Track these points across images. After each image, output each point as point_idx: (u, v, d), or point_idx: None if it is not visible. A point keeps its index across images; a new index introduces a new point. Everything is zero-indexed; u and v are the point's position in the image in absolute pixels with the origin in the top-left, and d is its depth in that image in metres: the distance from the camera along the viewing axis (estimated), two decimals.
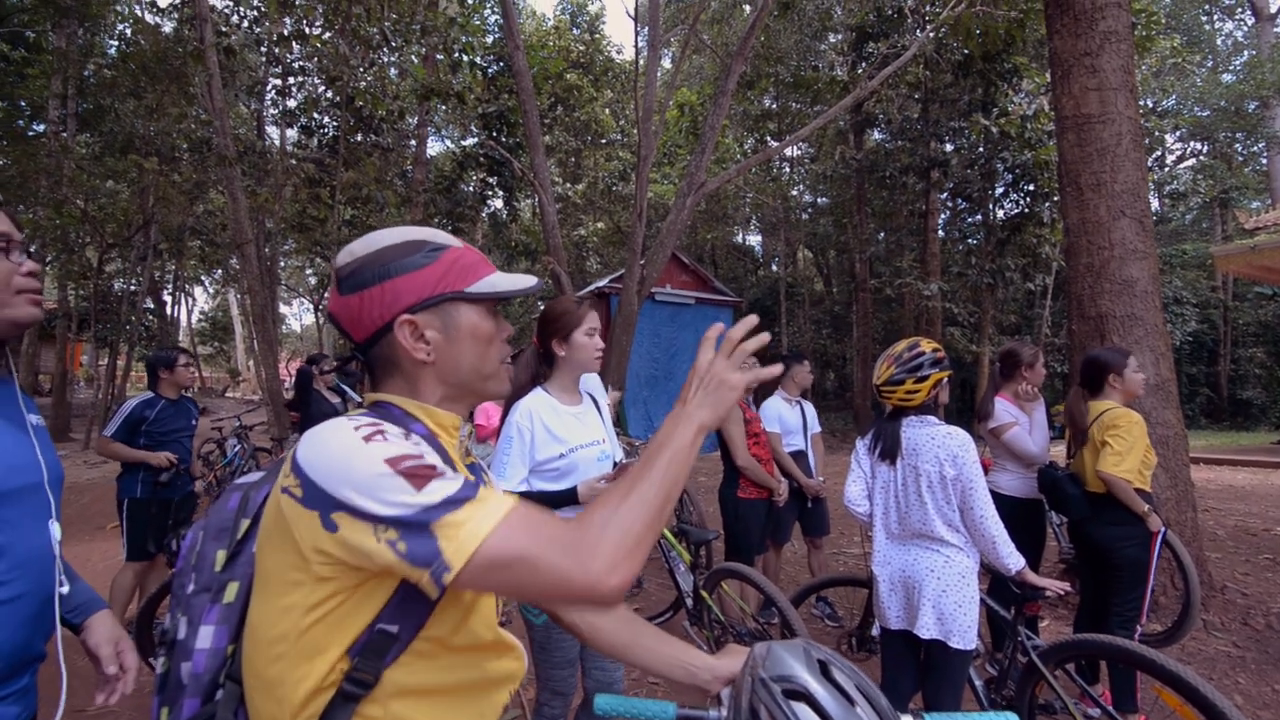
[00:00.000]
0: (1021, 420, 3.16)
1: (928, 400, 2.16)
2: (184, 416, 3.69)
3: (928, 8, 13.06)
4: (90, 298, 14.88)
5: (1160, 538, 2.75)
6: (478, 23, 14.24)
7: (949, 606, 2.04)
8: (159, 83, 10.65)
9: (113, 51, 13.17)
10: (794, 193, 21.90)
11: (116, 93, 12.11)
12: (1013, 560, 2.06)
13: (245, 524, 0.82)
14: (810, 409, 4.09)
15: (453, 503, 0.64)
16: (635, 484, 0.68)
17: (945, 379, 2.17)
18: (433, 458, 0.69)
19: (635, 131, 11.83)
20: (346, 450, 0.67)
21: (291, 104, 14.95)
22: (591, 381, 4.23)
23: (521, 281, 0.85)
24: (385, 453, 0.66)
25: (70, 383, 16.72)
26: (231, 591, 0.79)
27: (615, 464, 2.03)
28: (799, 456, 3.91)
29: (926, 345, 2.18)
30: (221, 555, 0.82)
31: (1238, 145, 24.48)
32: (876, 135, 17.96)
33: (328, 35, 11.63)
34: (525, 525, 0.65)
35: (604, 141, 20.60)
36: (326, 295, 22.13)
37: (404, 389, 0.82)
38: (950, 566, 2.07)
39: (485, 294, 0.82)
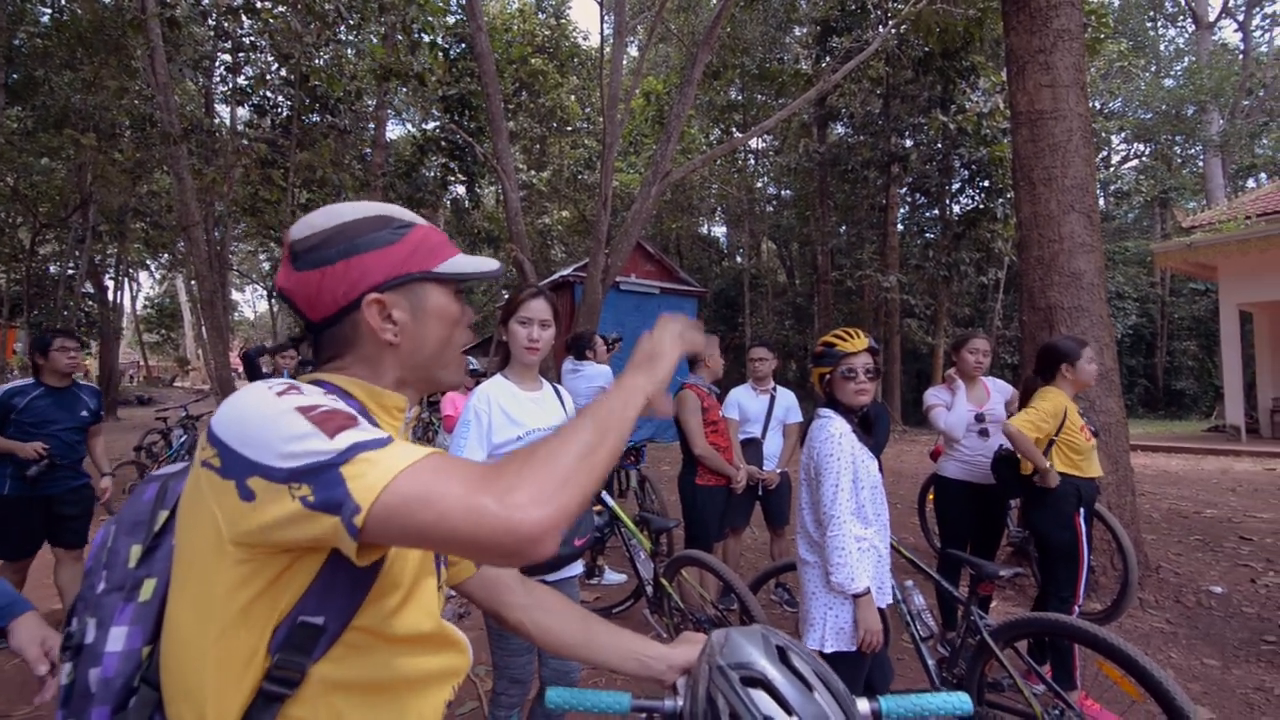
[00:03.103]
0: (949, 402, 3.42)
1: (827, 393, 2.07)
2: (68, 408, 3.35)
3: (890, 3, 13.25)
4: (23, 281, 14.07)
5: (1082, 518, 2.84)
6: (439, 2, 13.83)
7: (814, 610, 1.99)
8: (97, 54, 10.06)
9: (46, 19, 12.37)
10: (758, 185, 22.08)
11: (50, 63, 11.39)
12: (837, 572, 1.88)
13: (164, 516, 0.76)
14: (787, 399, 4.04)
15: (366, 446, 0.59)
16: (562, 431, 0.64)
17: (827, 375, 2.04)
18: (351, 411, 0.65)
19: (601, 119, 11.71)
20: (259, 406, 0.63)
21: (242, 81, 14.32)
22: (600, 372, 4.21)
23: (487, 264, 0.84)
24: (297, 402, 0.63)
25: (3, 371, 15.83)
26: (148, 589, 0.73)
27: None
28: (750, 444, 3.91)
29: (827, 338, 2.08)
30: (136, 550, 0.75)
31: (1177, 148, 25.67)
32: (839, 129, 18.22)
33: (280, 9, 11.13)
34: (441, 464, 0.59)
35: (569, 129, 20.33)
36: None
37: (356, 370, 0.78)
38: (815, 570, 2.02)
39: (452, 274, 0.81)
